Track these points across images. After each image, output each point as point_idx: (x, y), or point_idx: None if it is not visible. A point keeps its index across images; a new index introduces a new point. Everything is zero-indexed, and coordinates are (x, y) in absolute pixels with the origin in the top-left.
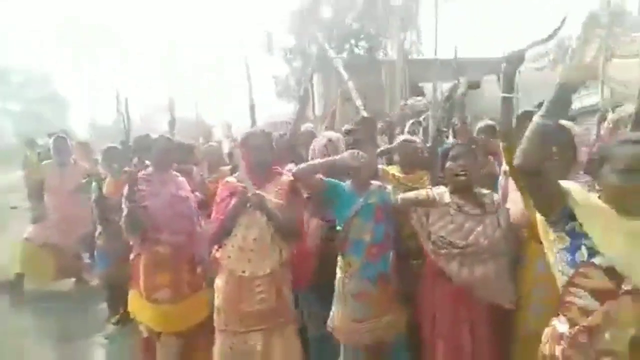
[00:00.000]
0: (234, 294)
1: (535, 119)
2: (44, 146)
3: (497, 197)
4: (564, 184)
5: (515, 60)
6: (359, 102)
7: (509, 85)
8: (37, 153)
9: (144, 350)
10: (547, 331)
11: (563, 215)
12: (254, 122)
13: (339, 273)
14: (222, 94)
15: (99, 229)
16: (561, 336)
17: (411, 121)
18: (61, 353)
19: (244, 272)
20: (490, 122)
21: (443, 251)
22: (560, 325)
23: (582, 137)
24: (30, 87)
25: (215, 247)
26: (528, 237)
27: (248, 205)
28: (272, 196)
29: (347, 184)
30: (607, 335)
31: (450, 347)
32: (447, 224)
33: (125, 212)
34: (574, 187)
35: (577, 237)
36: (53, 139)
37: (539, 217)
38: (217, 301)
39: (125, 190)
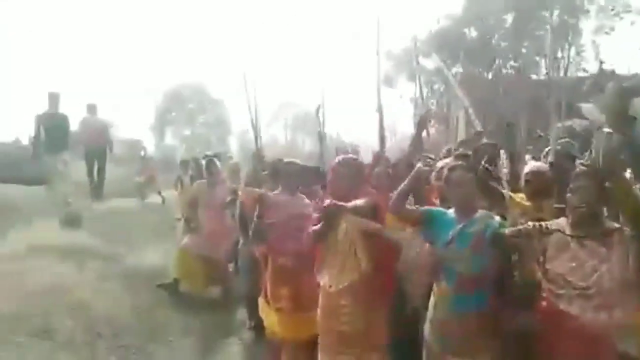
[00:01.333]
0: (324, 309)
1: None
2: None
3: (629, 231)
4: None
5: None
6: (478, 127)
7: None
8: (190, 175)
9: (272, 355)
10: None
11: None
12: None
13: (432, 297)
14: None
15: (241, 241)
16: None
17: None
18: (204, 346)
19: (330, 286)
20: None
21: (562, 292)
22: None
23: None
24: (202, 113)
25: None
26: None
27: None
28: None
29: (451, 210)
30: None
31: None
32: (567, 261)
33: (253, 225)
34: None
35: None
36: (206, 161)
37: None
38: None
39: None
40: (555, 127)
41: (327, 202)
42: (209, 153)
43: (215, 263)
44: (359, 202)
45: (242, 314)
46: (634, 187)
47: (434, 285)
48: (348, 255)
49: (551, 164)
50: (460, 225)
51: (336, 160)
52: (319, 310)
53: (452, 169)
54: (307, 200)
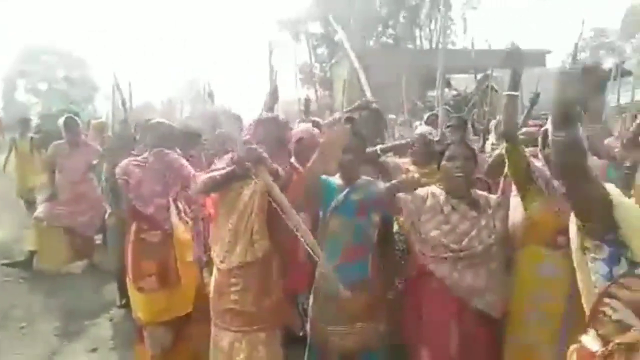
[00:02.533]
0: (215, 286)
1: None
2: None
3: (494, 198)
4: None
5: (517, 56)
6: (368, 93)
7: (514, 82)
8: (30, 137)
9: (139, 336)
10: (571, 349)
11: (604, 222)
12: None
13: (317, 270)
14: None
15: (109, 209)
16: (592, 355)
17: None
18: (64, 329)
19: (222, 262)
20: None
21: (433, 253)
22: (590, 342)
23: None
24: (60, 69)
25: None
26: (526, 241)
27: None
28: None
29: (337, 177)
30: None
31: (436, 352)
32: (441, 224)
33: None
34: (615, 191)
35: (617, 247)
36: (64, 118)
37: (573, 222)
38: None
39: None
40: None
41: (248, 147)
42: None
43: (77, 235)
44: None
45: (110, 291)
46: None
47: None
48: (243, 232)
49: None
50: (344, 192)
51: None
52: (211, 284)
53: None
54: (179, 165)
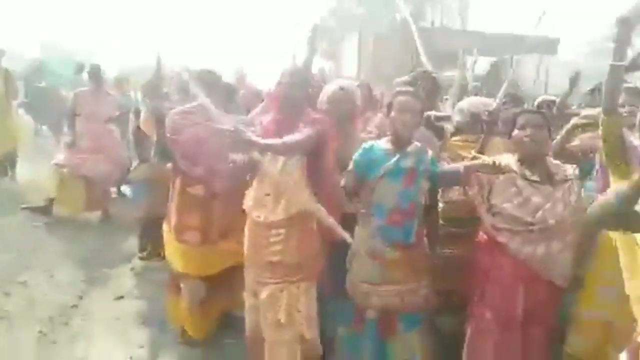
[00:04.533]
0: (253, 241)
1: None
2: None
3: (571, 169)
4: None
5: (630, 21)
6: (425, 61)
7: (620, 51)
8: None
9: (171, 287)
10: None
11: None
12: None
13: (357, 230)
14: None
15: (135, 162)
16: None
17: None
18: (88, 276)
19: (258, 217)
20: (549, 97)
21: (505, 226)
22: None
23: None
24: None
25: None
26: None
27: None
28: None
29: (383, 142)
30: None
31: (502, 314)
32: (513, 196)
33: (156, 144)
34: None
35: None
36: (90, 66)
37: None
38: (244, 247)
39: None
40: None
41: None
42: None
43: (95, 185)
44: (279, 141)
45: (128, 242)
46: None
47: (360, 218)
48: (285, 186)
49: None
50: (395, 159)
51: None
52: (245, 241)
53: (400, 93)
54: (227, 117)
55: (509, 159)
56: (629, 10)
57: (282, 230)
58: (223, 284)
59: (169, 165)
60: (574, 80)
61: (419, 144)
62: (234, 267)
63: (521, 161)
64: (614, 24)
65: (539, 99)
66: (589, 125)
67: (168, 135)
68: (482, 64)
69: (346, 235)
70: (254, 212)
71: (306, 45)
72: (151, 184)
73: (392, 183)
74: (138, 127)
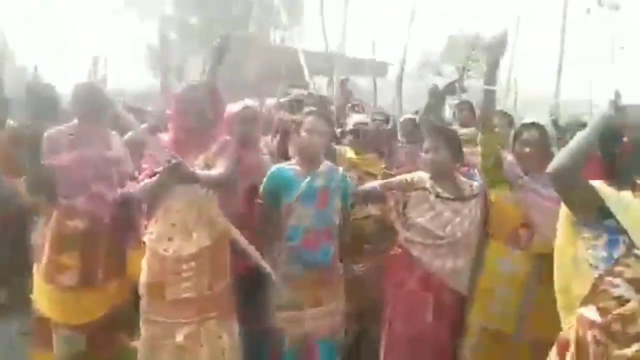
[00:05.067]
0: (158, 278)
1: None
2: None
3: (476, 185)
4: (592, 183)
5: (497, 48)
6: (309, 81)
7: (490, 76)
8: None
9: (39, 340)
10: (570, 320)
11: (599, 213)
12: None
13: (271, 257)
14: None
15: None
16: (592, 323)
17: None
18: None
19: (166, 250)
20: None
21: (418, 239)
22: (590, 313)
23: None
24: None
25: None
26: (490, 235)
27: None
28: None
29: (290, 166)
30: None
31: (412, 323)
32: (426, 211)
33: (29, 169)
34: (601, 185)
35: (614, 233)
36: None
37: (564, 217)
38: (141, 286)
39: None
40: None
41: (170, 157)
42: None
43: None
44: (215, 172)
45: None
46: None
47: (272, 244)
48: (199, 214)
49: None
50: (307, 180)
51: (185, 87)
52: (143, 278)
53: (310, 113)
54: (113, 137)
55: (422, 176)
56: (493, 38)
57: (193, 264)
58: (106, 331)
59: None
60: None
61: (329, 163)
62: (117, 310)
63: (433, 178)
64: (485, 52)
65: (403, 118)
66: (466, 142)
67: (45, 159)
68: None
69: (264, 264)
70: (158, 245)
71: (211, 56)
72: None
73: (307, 205)
74: None
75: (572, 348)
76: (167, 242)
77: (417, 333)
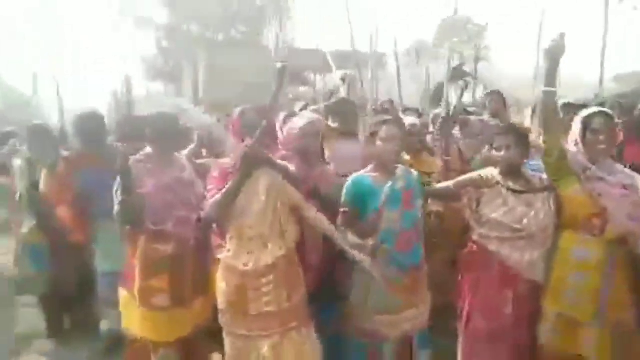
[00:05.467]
0: (239, 293)
1: None
2: None
3: (545, 177)
4: None
5: (557, 51)
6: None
7: (550, 78)
8: None
9: None
10: None
11: None
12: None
13: (363, 265)
14: None
15: (29, 222)
16: None
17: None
18: None
19: (245, 265)
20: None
21: (495, 234)
22: None
23: None
24: None
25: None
26: (563, 225)
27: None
28: None
29: (368, 173)
30: None
31: (492, 326)
32: (500, 206)
33: (117, 202)
34: None
35: None
36: None
37: None
38: (221, 302)
39: (118, 179)
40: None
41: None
42: None
43: None
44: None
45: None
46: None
47: (361, 251)
48: (271, 226)
49: None
50: (389, 185)
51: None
52: (222, 297)
53: (385, 122)
54: (183, 160)
55: (492, 172)
56: (553, 41)
57: (271, 277)
58: (196, 346)
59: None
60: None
61: (402, 167)
62: (203, 326)
63: (503, 174)
64: (545, 55)
65: (433, 113)
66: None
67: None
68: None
69: (356, 254)
70: (237, 262)
71: (275, 81)
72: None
73: (393, 209)
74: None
75: None
76: (247, 256)
77: (497, 327)
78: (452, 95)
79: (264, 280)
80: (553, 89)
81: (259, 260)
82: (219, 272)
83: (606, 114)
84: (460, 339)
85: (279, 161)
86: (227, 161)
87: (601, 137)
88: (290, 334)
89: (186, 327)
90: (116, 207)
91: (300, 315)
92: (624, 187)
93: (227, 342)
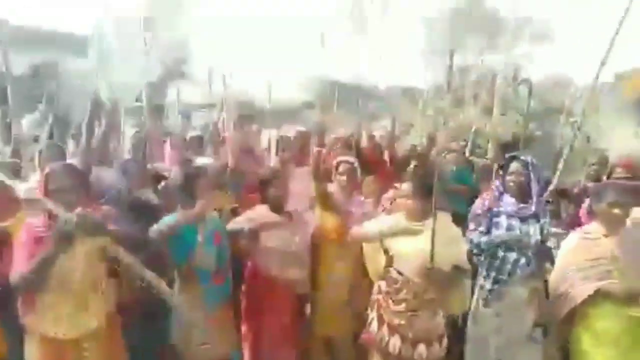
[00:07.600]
0: None
1: None
2: None
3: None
4: None
5: None
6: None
7: None
8: None
9: None
10: None
11: None
12: None
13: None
14: None
15: None
16: None
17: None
18: None
19: (56, 333)
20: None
21: (274, 257)
22: None
23: None
24: None
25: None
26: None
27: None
28: None
29: (176, 215)
30: None
31: (271, 331)
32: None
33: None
34: None
35: None
36: None
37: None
38: None
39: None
40: None
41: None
42: None
43: None
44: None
45: None
46: None
47: (180, 289)
48: (90, 289)
49: None
50: (202, 228)
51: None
52: None
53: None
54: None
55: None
56: None
57: (91, 343)
58: None
59: None
60: None
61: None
62: None
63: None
64: None
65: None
66: None
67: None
68: None
69: None
70: (48, 327)
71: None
72: None
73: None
74: None
75: None
76: (57, 320)
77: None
78: None
79: (85, 354)
80: None
81: (75, 327)
82: (28, 340)
83: None
84: None
85: (111, 226)
86: (35, 221)
87: None
88: None
89: None
90: None
91: None
92: None
93: None
